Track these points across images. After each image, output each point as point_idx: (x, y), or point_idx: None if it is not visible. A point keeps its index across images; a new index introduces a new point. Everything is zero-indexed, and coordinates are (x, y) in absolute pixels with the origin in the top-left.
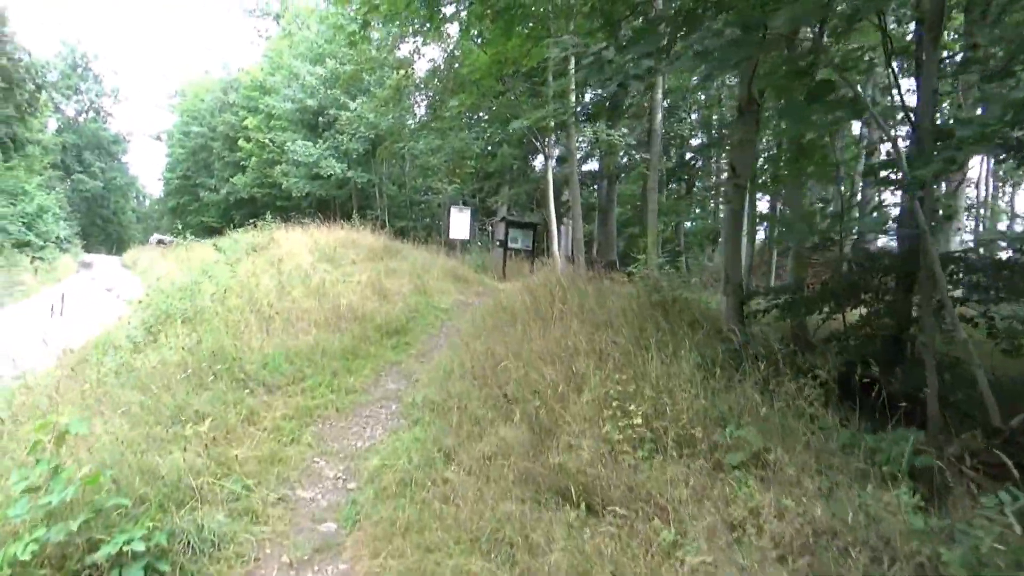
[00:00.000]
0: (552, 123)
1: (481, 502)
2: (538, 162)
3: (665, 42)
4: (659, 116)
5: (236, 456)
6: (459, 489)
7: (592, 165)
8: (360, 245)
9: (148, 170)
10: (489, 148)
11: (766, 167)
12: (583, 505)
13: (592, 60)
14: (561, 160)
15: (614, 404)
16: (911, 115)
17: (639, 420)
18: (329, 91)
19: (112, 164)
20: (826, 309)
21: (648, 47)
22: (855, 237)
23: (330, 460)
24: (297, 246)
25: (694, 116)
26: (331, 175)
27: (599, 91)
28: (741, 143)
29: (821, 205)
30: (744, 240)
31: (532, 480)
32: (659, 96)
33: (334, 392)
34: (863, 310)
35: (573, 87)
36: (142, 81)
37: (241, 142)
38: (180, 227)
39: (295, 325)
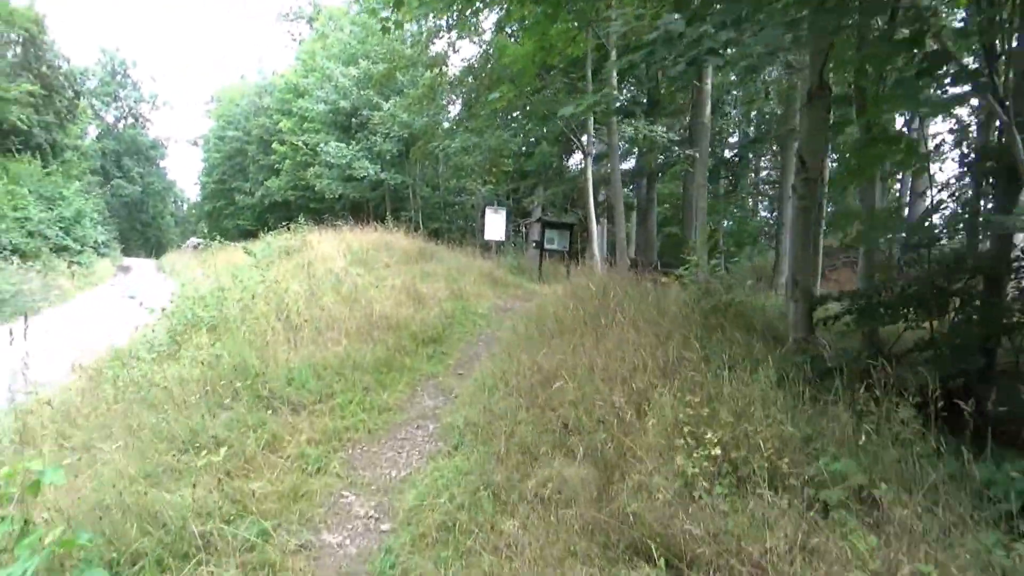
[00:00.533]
0: (592, 119)
1: (541, 559)
2: (573, 161)
3: (745, 12)
4: (708, 108)
5: (253, 491)
6: (513, 539)
7: (629, 163)
8: (393, 248)
9: (186, 175)
10: (525, 147)
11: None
12: (662, 561)
13: (661, 34)
14: (599, 158)
15: (686, 430)
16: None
17: (717, 450)
18: (362, 92)
19: (150, 169)
20: (911, 317)
21: (729, 14)
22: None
23: (360, 493)
24: (329, 249)
25: (733, 111)
26: (364, 177)
27: (635, 88)
28: (811, 133)
29: (893, 204)
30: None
31: (600, 530)
32: (708, 86)
33: (366, 411)
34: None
35: (616, 77)
36: (180, 87)
37: (275, 145)
38: (206, 231)
39: (324, 335)
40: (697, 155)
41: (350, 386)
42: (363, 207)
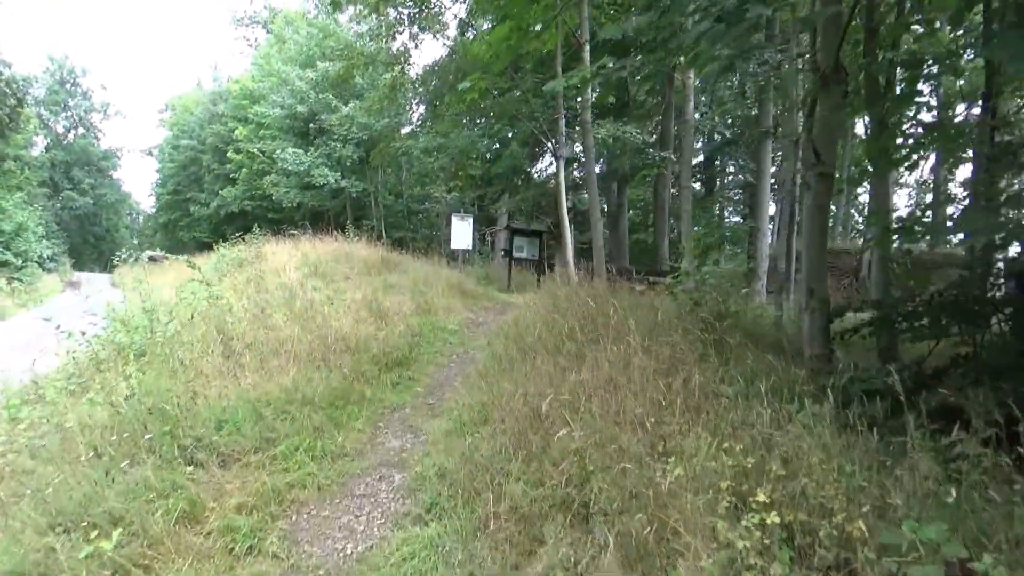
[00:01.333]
0: (564, 121)
1: None
2: (540, 167)
3: None
4: (691, 104)
5: None
6: None
7: (597, 168)
8: (354, 258)
9: (141, 186)
10: (497, 146)
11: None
12: None
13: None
14: (570, 161)
15: (724, 486)
16: None
17: (774, 516)
18: (320, 95)
19: (103, 181)
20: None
21: None
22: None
23: None
24: (285, 261)
25: (707, 111)
26: (324, 184)
27: (603, 89)
28: (825, 122)
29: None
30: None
31: None
32: (691, 79)
33: (315, 460)
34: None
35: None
36: (133, 96)
37: (230, 154)
38: (149, 245)
39: (270, 362)
40: (675, 156)
41: (297, 428)
42: (323, 216)
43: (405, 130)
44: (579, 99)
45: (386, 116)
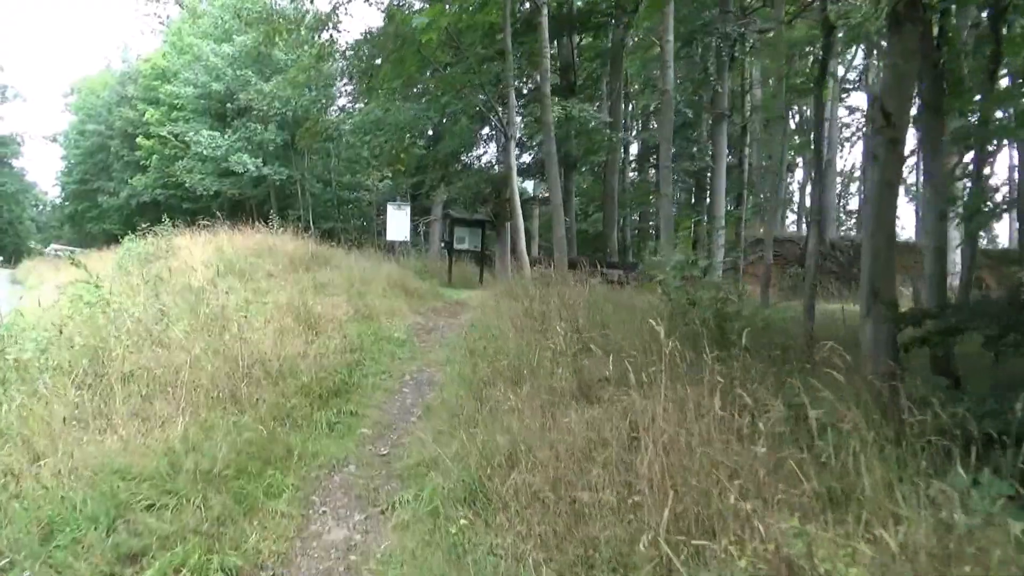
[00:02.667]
0: (513, 95)
1: None
2: (476, 153)
3: None
4: (671, 73)
5: None
6: None
7: (530, 155)
8: (279, 253)
9: (48, 175)
10: (444, 121)
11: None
12: None
13: None
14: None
15: None
16: None
17: None
18: (238, 72)
19: (2, 170)
20: None
21: None
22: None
23: None
24: (199, 256)
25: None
26: (244, 171)
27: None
28: (897, 73)
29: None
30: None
31: None
32: (669, 44)
33: None
34: None
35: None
36: (35, 78)
37: (141, 139)
38: (57, 238)
39: (156, 402)
40: (632, 137)
41: (183, 526)
42: (244, 206)
43: (334, 108)
44: (536, 72)
45: (312, 90)
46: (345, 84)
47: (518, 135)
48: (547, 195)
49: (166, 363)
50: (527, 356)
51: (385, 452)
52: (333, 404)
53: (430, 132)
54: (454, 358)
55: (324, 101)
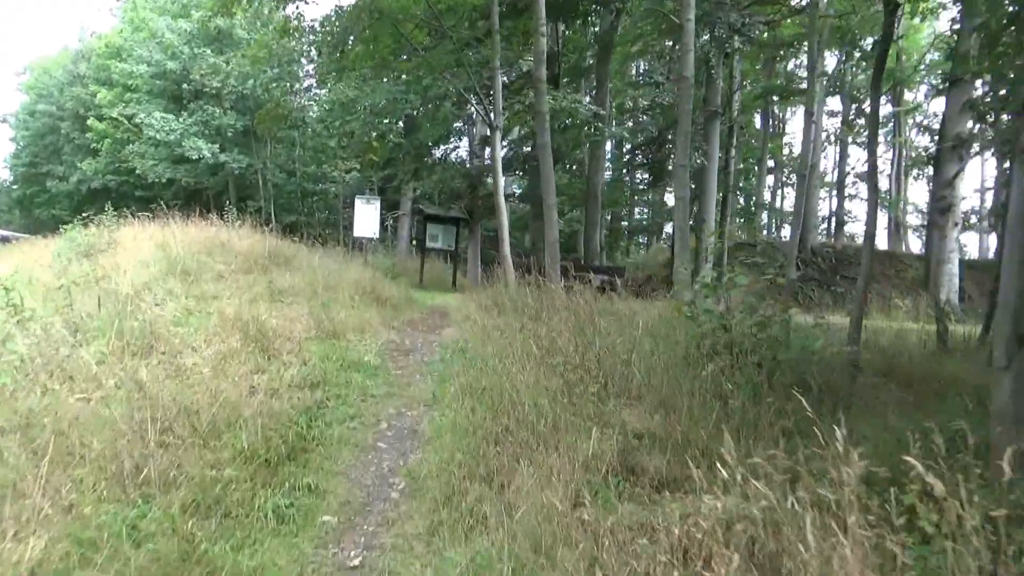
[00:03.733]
0: (500, 81)
1: None
2: (446, 147)
3: None
4: (691, 57)
5: None
6: None
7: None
8: (232, 250)
9: None
10: (428, 107)
11: None
12: None
13: None
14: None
15: None
16: None
17: None
18: (195, 50)
19: None
20: None
21: None
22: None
23: None
24: (143, 251)
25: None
26: (199, 158)
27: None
28: None
29: None
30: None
31: None
32: (691, 22)
33: None
34: None
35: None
36: None
37: (92, 121)
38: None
39: (16, 487)
40: (625, 131)
41: None
42: (201, 196)
43: (300, 88)
44: (523, 57)
45: (275, 67)
46: (312, 64)
47: (501, 123)
48: (519, 192)
49: (51, 415)
50: (539, 401)
51: (356, 562)
52: (284, 474)
53: (401, 122)
54: (442, 396)
55: (288, 83)
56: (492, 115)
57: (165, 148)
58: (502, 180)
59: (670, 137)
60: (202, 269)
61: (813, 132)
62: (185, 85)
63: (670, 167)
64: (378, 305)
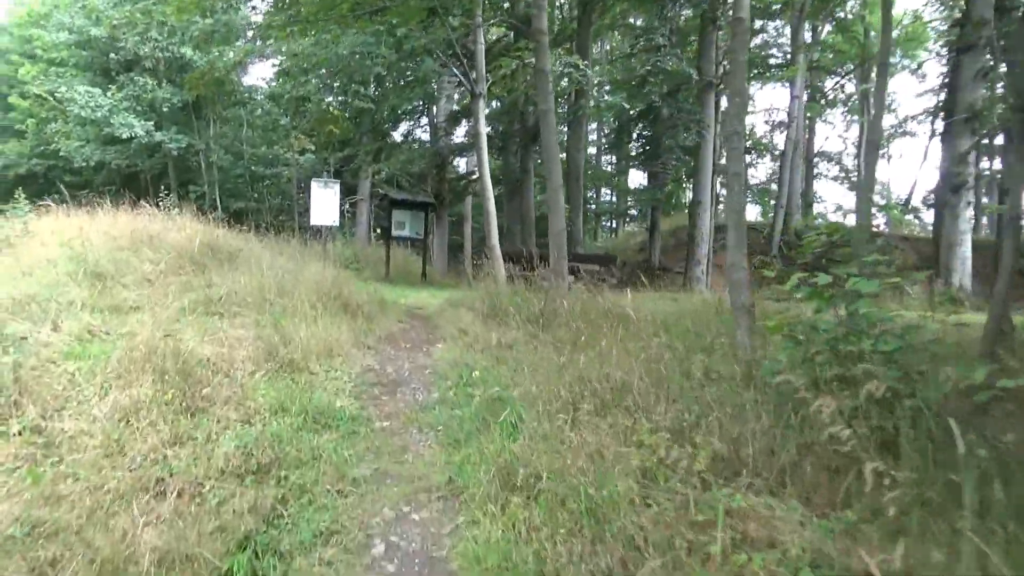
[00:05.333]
0: (484, 40)
1: None
2: (406, 127)
3: None
4: None
5: None
6: None
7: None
8: (164, 244)
9: None
10: (400, 66)
11: None
12: None
13: None
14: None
15: None
16: None
17: None
18: (124, 15)
19: None
20: None
21: None
22: None
23: None
24: (53, 247)
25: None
26: (131, 136)
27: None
28: None
29: None
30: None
31: None
32: None
33: None
34: None
35: None
36: None
37: (14, 98)
38: None
39: None
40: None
41: None
42: (139, 180)
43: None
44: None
45: (209, 16)
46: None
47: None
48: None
49: None
50: (622, 506)
51: None
52: None
53: (372, 84)
54: (465, 481)
55: (224, 40)
56: (474, 79)
57: (93, 127)
58: (487, 157)
59: (665, 111)
60: (122, 270)
61: (796, 108)
62: (113, 55)
63: (668, 141)
64: (346, 314)
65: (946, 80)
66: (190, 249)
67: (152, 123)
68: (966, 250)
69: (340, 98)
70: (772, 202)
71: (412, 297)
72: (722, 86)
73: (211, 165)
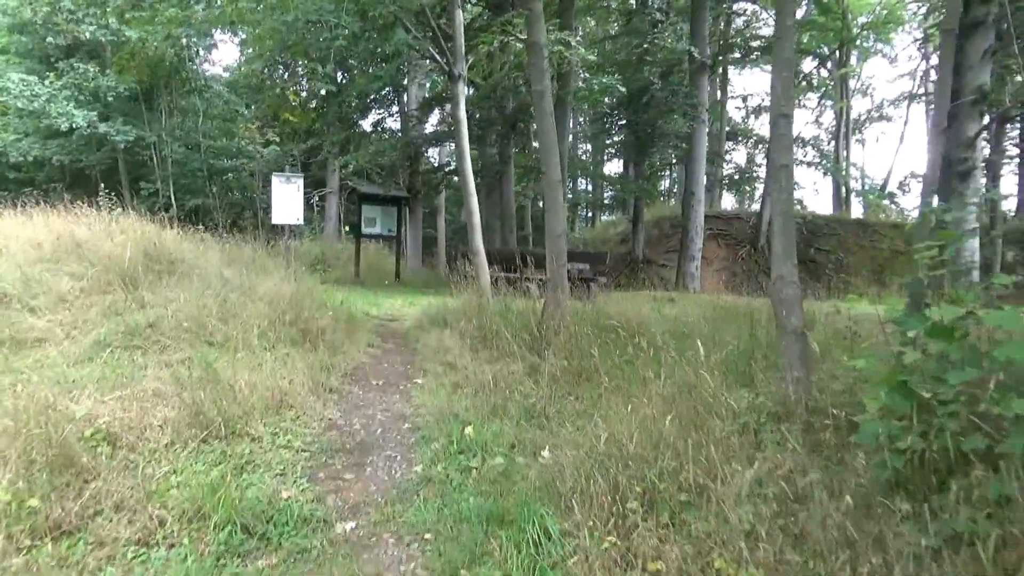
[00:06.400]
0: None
1: None
2: (381, 115)
3: None
4: None
5: None
6: None
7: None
8: (94, 254)
9: None
10: (366, 38)
11: None
12: None
13: None
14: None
15: None
16: None
17: None
18: None
19: None
20: None
21: None
22: None
23: None
24: None
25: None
26: (72, 128)
27: None
28: None
29: None
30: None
31: None
32: None
33: None
34: None
35: None
36: None
37: None
38: None
39: None
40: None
41: None
42: (89, 177)
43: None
44: None
45: None
46: None
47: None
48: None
49: None
50: None
51: None
52: None
53: (332, 63)
54: None
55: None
56: (452, 58)
57: (31, 119)
58: (468, 147)
59: (660, 94)
60: (33, 289)
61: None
62: (50, 39)
63: (664, 127)
64: (305, 343)
65: (929, 65)
66: (121, 259)
67: (95, 113)
68: (973, 242)
69: (301, 81)
70: (748, 189)
71: (385, 305)
72: (717, 67)
73: (164, 159)
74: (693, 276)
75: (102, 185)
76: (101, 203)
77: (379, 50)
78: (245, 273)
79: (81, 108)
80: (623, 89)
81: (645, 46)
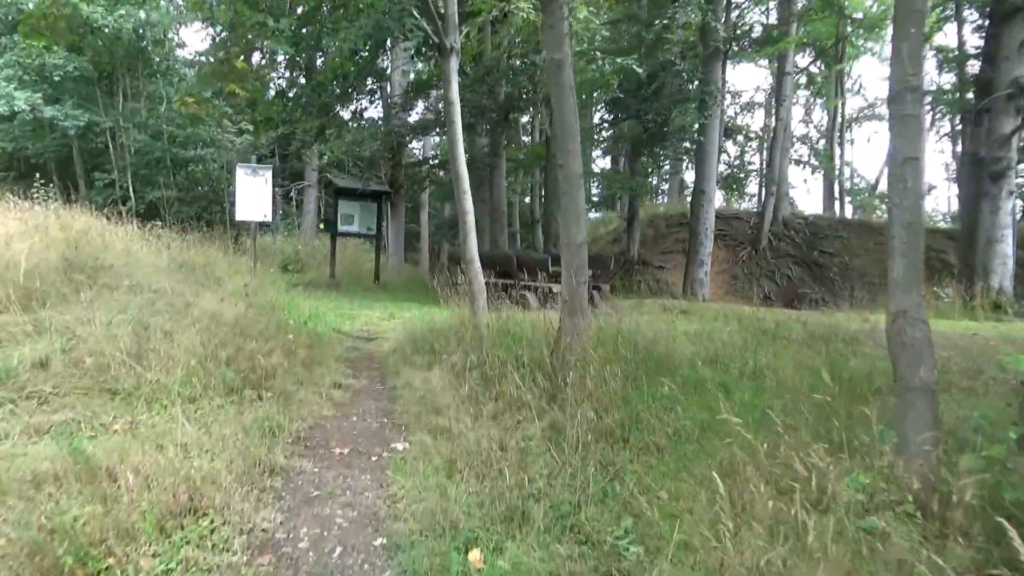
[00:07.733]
0: None
1: None
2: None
3: None
4: None
5: None
6: None
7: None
8: (6, 263)
9: None
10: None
11: None
12: None
13: None
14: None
15: None
16: None
17: None
18: None
19: None
20: None
21: None
22: None
23: None
24: None
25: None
26: (14, 112)
27: None
28: None
29: None
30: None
31: None
32: None
33: None
34: None
35: None
36: None
37: None
38: None
39: None
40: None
41: None
42: (44, 167)
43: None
44: None
45: None
46: None
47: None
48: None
49: None
50: None
51: None
52: None
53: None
54: None
55: None
56: (444, 32)
57: None
58: (460, 134)
59: (674, 81)
60: None
61: (786, 86)
62: None
63: (679, 119)
64: (246, 391)
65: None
66: (28, 267)
67: (39, 95)
68: (1007, 247)
69: (256, 43)
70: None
71: (361, 317)
72: (727, 53)
73: (123, 148)
74: (703, 283)
75: (51, 176)
76: (36, 195)
77: (353, 21)
78: (188, 284)
79: (24, 89)
80: (640, 70)
81: (665, 22)
